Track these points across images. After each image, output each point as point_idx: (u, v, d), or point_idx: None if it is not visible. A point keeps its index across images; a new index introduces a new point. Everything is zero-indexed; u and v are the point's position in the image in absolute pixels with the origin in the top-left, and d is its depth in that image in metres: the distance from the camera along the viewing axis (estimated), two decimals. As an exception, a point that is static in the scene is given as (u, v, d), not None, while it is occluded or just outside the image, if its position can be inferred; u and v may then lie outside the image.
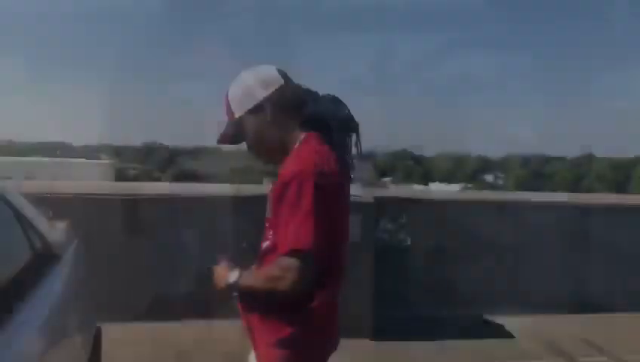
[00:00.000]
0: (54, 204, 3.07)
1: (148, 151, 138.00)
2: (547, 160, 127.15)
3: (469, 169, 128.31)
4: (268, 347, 1.66)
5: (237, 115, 1.71)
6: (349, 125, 1.73)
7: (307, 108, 1.70)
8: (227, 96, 1.74)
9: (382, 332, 4.54)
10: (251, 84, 1.70)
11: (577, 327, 5.08)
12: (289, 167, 1.60)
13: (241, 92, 1.71)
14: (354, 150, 1.75)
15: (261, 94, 1.68)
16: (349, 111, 1.74)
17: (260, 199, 1.87)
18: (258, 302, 1.68)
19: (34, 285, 1.94)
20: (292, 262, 1.52)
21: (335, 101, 1.73)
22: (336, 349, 1.81)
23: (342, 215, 1.69)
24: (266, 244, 1.70)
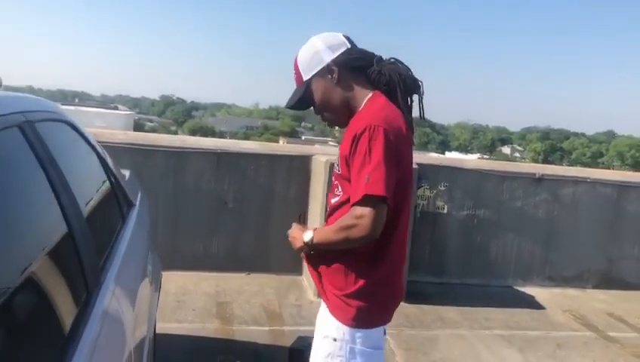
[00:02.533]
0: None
1: (166, 104, 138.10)
2: (567, 135, 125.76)
3: (487, 140, 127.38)
4: (337, 297, 1.73)
5: (305, 78, 1.77)
6: (413, 85, 1.78)
7: (371, 69, 1.75)
8: (296, 60, 1.81)
9: (415, 295, 4.63)
10: (319, 48, 1.76)
11: (606, 303, 5.14)
12: (360, 120, 1.65)
13: (310, 56, 1.77)
14: (416, 110, 1.82)
15: (329, 57, 1.74)
16: (411, 71, 1.78)
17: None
18: (333, 255, 1.74)
19: (121, 227, 2.02)
20: (365, 208, 1.57)
21: (397, 62, 1.79)
22: (400, 301, 1.89)
23: (408, 168, 1.75)
24: (335, 200, 1.76)
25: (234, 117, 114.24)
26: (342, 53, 1.75)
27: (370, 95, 1.74)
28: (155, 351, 2.88)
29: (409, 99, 1.79)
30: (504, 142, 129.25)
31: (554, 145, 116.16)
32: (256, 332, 3.82)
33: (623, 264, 5.53)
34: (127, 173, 2.88)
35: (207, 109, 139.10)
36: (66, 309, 1.26)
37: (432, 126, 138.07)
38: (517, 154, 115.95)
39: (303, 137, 78.31)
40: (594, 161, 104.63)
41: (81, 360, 1.13)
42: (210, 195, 4.79)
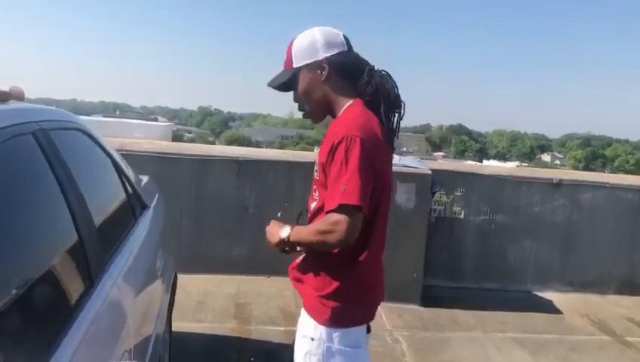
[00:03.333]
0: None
1: (203, 115, 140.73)
2: (609, 141, 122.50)
3: (525, 147, 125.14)
4: (314, 298, 1.78)
5: (295, 65, 1.80)
6: (395, 102, 1.82)
7: (362, 78, 1.79)
8: (291, 45, 1.82)
9: (431, 299, 4.72)
10: (317, 40, 1.78)
11: (625, 308, 5.11)
12: (337, 129, 1.70)
13: (305, 45, 1.79)
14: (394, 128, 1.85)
15: (324, 53, 1.77)
16: (397, 89, 1.82)
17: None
18: (310, 256, 1.82)
19: (132, 228, 2.21)
20: (341, 216, 1.61)
21: (387, 77, 1.82)
22: (381, 301, 1.94)
23: (386, 174, 1.79)
24: (313, 204, 1.82)
25: (270, 127, 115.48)
26: (337, 54, 1.78)
27: (351, 102, 1.79)
28: (171, 349, 3.07)
29: (391, 115, 1.82)
30: (543, 149, 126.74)
31: (595, 152, 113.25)
32: (272, 332, 3.98)
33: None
34: (145, 178, 3.08)
35: (243, 119, 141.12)
36: (70, 292, 1.45)
37: (469, 133, 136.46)
38: (557, 162, 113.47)
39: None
40: (638, 168, 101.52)
41: (74, 338, 1.30)
42: (231, 201, 4.99)
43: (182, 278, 4.08)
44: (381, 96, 1.78)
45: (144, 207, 2.60)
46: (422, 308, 4.63)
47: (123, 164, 2.53)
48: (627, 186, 5.44)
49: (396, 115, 1.83)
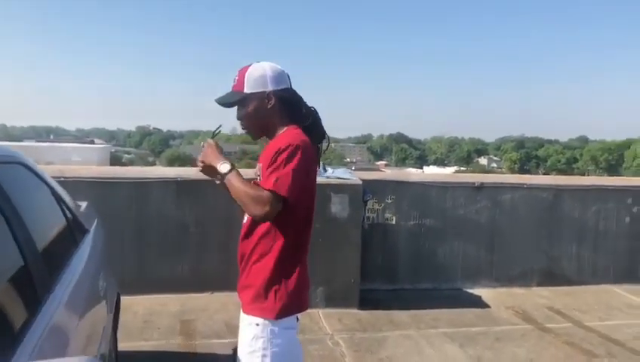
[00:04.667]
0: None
1: (142, 135, 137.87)
2: (541, 143, 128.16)
3: (463, 152, 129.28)
4: (257, 292, 2.05)
5: (245, 90, 2.07)
6: (323, 134, 2.19)
7: (303, 112, 2.13)
8: (245, 71, 2.09)
9: (369, 302, 4.99)
10: (268, 74, 2.08)
11: (546, 299, 5.55)
12: (283, 139, 2.01)
13: (258, 75, 2.07)
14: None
15: (272, 87, 2.08)
16: (321, 121, 2.19)
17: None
18: (254, 255, 2.08)
19: (73, 253, 2.36)
20: (270, 198, 1.91)
21: (316, 112, 2.18)
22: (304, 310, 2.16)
23: (314, 188, 2.12)
24: None
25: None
26: (283, 89, 2.09)
27: (287, 127, 2.10)
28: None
29: (318, 143, 2.17)
30: (480, 153, 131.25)
31: (529, 153, 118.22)
32: (217, 345, 4.13)
33: (563, 262, 5.96)
34: (83, 204, 3.21)
35: (184, 137, 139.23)
36: (15, 314, 1.59)
37: (409, 141, 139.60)
38: (494, 165, 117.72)
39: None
40: (569, 166, 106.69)
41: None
42: (172, 221, 5.11)
43: (127, 299, 4.21)
44: (314, 125, 2.15)
45: (84, 231, 2.74)
46: (360, 311, 4.89)
47: (62, 192, 2.67)
48: (542, 186, 5.92)
49: (323, 143, 2.21)
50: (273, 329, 2.04)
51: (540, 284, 5.87)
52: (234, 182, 1.98)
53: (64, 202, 2.59)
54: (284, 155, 1.94)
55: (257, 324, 2.04)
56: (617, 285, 5.99)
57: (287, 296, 2.05)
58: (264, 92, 2.07)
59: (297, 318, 2.17)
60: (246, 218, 2.12)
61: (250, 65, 2.11)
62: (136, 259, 5.02)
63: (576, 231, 5.97)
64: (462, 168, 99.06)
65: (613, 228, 6.04)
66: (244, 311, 2.11)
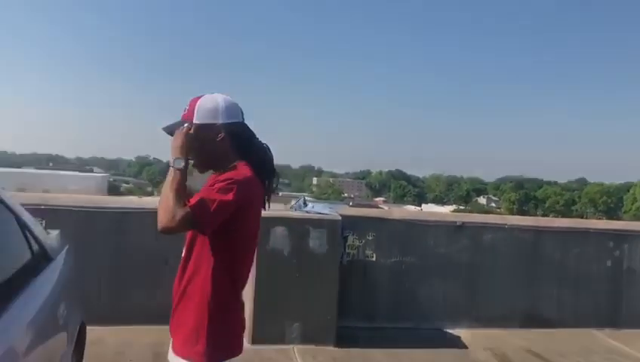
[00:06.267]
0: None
1: (141, 165, 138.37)
2: (540, 183, 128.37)
3: (462, 191, 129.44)
4: (188, 334, 1.98)
5: (195, 121, 2.00)
6: (272, 172, 2.13)
7: (249, 147, 2.09)
8: (196, 101, 2.04)
9: (346, 340, 4.95)
10: (220, 107, 2.02)
11: (526, 341, 5.50)
12: (229, 174, 1.95)
13: (209, 106, 2.02)
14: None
15: (222, 120, 2.02)
16: (273, 160, 2.15)
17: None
18: (191, 292, 2.00)
19: (30, 281, 2.36)
20: (187, 215, 1.79)
21: (267, 149, 2.14)
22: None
23: (257, 226, 2.10)
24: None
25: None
26: (234, 123, 2.04)
27: (237, 162, 2.04)
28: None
29: (267, 180, 2.12)
30: (479, 192, 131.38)
31: (528, 194, 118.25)
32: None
33: (544, 303, 5.93)
34: (54, 232, 3.23)
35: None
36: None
37: (407, 178, 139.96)
38: (493, 204, 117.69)
39: (280, 193, 78.67)
40: (567, 208, 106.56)
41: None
42: (152, 252, 5.10)
43: (100, 330, 4.18)
44: (263, 161, 2.10)
45: (49, 259, 2.75)
46: (336, 349, 4.84)
47: (29, 219, 2.69)
48: (524, 226, 5.93)
49: (273, 180, 2.14)
50: None
51: (520, 326, 5.82)
52: (169, 180, 1.87)
53: (28, 229, 2.61)
54: (220, 185, 1.88)
55: None
56: (598, 329, 5.94)
57: (221, 339, 1.98)
58: (214, 124, 2.01)
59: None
60: (184, 252, 2.07)
61: (202, 96, 2.06)
62: (112, 288, 5.00)
63: (557, 273, 5.96)
64: (460, 207, 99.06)
65: (594, 271, 6.03)
66: (174, 351, 2.03)
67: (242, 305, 2.11)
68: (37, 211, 3.96)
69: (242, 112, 2.11)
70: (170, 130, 2.03)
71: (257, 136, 2.15)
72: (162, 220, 1.81)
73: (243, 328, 2.12)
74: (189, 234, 2.05)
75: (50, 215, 4.64)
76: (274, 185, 2.14)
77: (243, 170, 2.00)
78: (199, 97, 2.06)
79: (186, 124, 2.00)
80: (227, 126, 2.03)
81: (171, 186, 1.85)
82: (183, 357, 1.97)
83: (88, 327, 3.41)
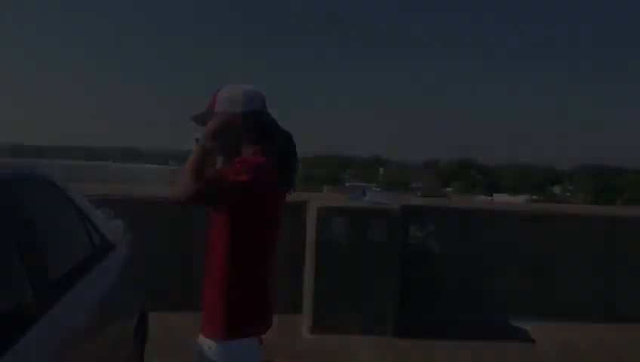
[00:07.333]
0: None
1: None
2: (620, 172, 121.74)
3: (536, 180, 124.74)
4: (210, 313, 2.01)
5: (216, 110, 2.10)
6: (293, 159, 2.14)
7: (270, 135, 2.10)
8: (219, 91, 2.14)
9: (407, 331, 4.87)
10: (239, 96, 2.10)
11: (600, 336, 5.21)
12: (244, 158, 2.01)
13: (229, 96, 2.11)
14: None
15: (241, 108, 2.08)
16: (295, 147, 2.16)
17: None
18: (213, 274, 2.02)
19: (91, 267, 2.46)
20: (197, 189, 1.88)
21: (290, 138, 2.16)
22: (271, 317, 2.10)
23: (273, 213, 2.07)
24: None
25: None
26: (254, 112, 2.09)
27: (254, 149, 2.08)
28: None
29: (287, 166, 2.12)
30: (554, 181, 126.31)
31: (607, 183, 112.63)
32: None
33: (620, 297, 5.60)
34: (118, 221, 3.36)
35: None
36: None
37: (479, 167, 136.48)
38: (568, 194, 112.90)
39: (347, 184, 78.61)
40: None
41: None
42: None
43: (167, 316, 4.32)
44: (284, 151, 2.12)
45: (109, 247, 2.85)
46: (396, 339, 4.78)
47: (90, 209, 2.80)
48: (599, 216, 5.64)
49: (294, 166, 2.15)
50: (224, 352, 1.96)
51: (594, 320, 5.52)
52: (193, 157, 1.96)
53: (89, 219, 2.71)
54: (235, 167, 1.95)
55: (209, 347, 1.98)
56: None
57: (242, 314, 1.99)
58: (234, 112, 2.08)
59: (261, 341, 2.10)
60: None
61: (225, 86, 2.16)
62: (178, 275, 5.13)
63: (636, 265, 5.60)
64: (534, 196, 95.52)
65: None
66: (201, 333, 2.05)
67: (264, 285, 2.08)
68: (109, 202, 4.09)
69: (265, 103, 2.16)
70: (200, 120, 2.12)
71: (282, 125, 2.17)
72: (174, 192, 1.94)
73: (268, 306, 2.10)
74: (211, 213, 2.08)
75: (115, 206, 4.83)
76: (294, 173, 2.15)
77: (257, 156, 2.04)
78: (222, 88, 2.15)
79: (230, 111, 2.08)
80: (246, 113, 2.08)
81: (192, 162, 1.94)
82: (204, 337, 2.01)
83: (156, 314, 3.52)
